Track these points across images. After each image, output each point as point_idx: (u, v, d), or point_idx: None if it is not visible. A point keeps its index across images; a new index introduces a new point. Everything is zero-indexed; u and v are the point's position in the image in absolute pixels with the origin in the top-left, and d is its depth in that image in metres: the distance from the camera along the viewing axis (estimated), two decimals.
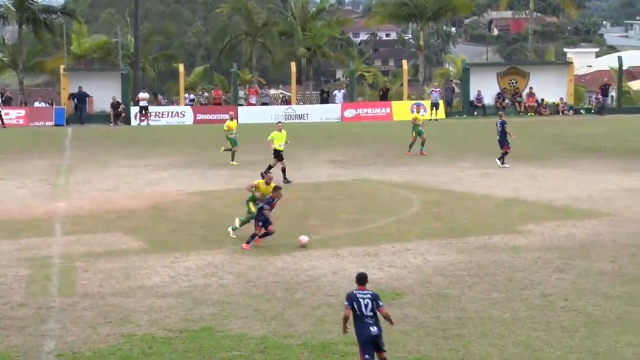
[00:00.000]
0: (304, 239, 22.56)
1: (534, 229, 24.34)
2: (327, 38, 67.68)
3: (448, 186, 31.54)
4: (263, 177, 23.97)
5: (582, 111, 61.34)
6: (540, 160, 36.21)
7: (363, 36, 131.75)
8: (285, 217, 26.10)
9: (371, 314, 13.02)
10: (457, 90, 65.75)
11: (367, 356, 12.91)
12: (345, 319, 13.19)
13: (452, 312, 17.15)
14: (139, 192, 31.03)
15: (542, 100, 60.36)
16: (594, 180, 32.51)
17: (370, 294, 13.17)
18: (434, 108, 57.58)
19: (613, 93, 64.46)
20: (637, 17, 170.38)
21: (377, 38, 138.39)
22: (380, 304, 13.14)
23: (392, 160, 37.93)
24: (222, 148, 37.23)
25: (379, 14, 72.18)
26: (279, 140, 32.56)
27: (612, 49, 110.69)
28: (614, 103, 63.46)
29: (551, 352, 14.90)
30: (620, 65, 63.99)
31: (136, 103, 57.15)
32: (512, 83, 62.34)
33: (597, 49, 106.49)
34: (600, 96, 62.72)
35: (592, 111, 61.23)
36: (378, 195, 30.14)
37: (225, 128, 37.47)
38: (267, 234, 22.53)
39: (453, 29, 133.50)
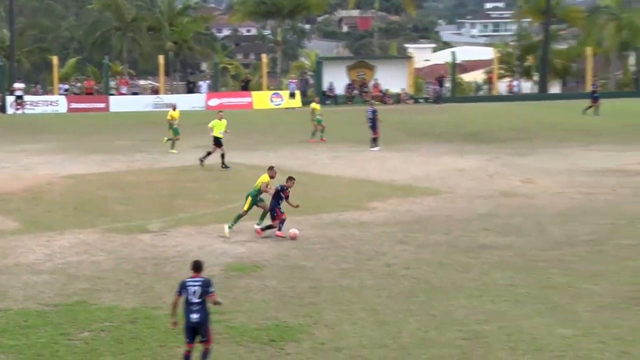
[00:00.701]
0: (294, 231, 20.88)
1: (379, 206, 24.66)
2: (192, 33, 67.29)
3: (304, 168, 31.63)
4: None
5: (421, 100, 62.55)
6: (385, 144, 36.65)
7: (226, 32, 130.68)
8: (154, 197, 25.79)
9: (197, 301, 12.39)
10: (311, 81, 66.11)
11: (187, 340, 12.47)
12: (173, 305, 12.68)
13: (307, 282, 17.23)
14: (14, 176, 30.09)
15: (387, 90, 61.26)
16: (432, 161, 33.15)
17: (201, 281, 12.49)
18: (292, 97, 57.91)
19: (448, 84, 65.87)
20: (468, 17, 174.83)
21: (239, 33, 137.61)
22: (211, 290, 12.45)
23: (253, 145, 37.86)
24: (165, 139, 36.23)
25: (240, 11, 72.11)
26: (219, 128, 31.91)
27: (447, 44, 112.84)
28: (449, 93, 64.86)
29: (394, 315, 15.13)
30: (454, 59, 65.54)
31: (12, 93, 55.67)
32: (360, 75, 63.10)
33: (434, 45, 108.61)
34: (437, 87, 64.08)
35: (430, 100, 62.49)
36: (241, 177, 29.98)
37: (169, 117, 36.62)
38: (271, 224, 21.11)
39: (307, 26, 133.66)
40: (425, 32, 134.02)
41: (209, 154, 31.52)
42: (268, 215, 21.12)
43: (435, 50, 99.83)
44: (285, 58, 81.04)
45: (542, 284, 16.82)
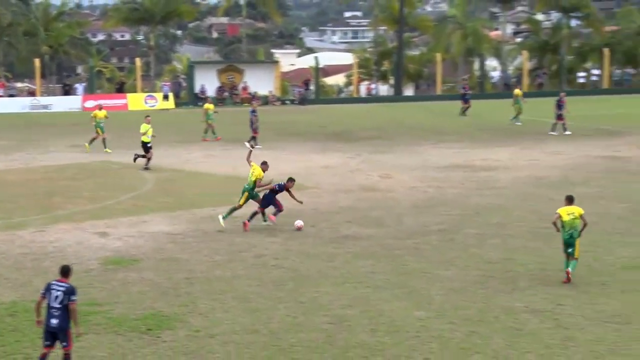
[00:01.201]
0: (299, 223, 20.97)
1: (250, 201, 24.56)
2: (67, 38, 65.65)
3: (178, 166, 31.36)
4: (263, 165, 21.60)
5: (287, 102, 62.73)
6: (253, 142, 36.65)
7: (101, 36, 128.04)
8: (32, 195, 25.06)
9: (58, 306, 11.77)
10: (184, 84, 65.45)
11: (47, 342, 11.87)
12: (36, 305, 12.13)
13: (182, 273, 17.09)
14: None
15: (255, 92, 61.20)
16: (299, 159, 33.32)
17: (65, 287, 11.85)
18: (165, 99, 57.28)
19: (312, 87, 66.31)
20: (329, 25, 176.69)
21: (113, 38, 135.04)
22: (73, 298, 11.78)
23: (130, 145, 37.20)
24: (87, 145, 35.15)
25: (114, 17, 70.74)
26: (145, 130, 30.99)
27: (310, 50, 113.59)
28: (313, 95, 65.29)
29: (264, 303, 15.17)
30: (317, 64, 66.01)
31: None
32: (230, 78, 62.84)
33: (298, 50, 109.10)
34: (302, 89, 64.44)
35: (295, 102, 62.76)
36: (117, 175, 29.51)
37: (93, 115, 35.52)
38: (257, 213, 21.18)
39: (179, 32, 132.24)
40: (290, 39, 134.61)
41: (148, 159, 30.63)
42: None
43: (299, 55, 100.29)
44: (158, 62, 79.94)
45: (400, 271, 17.17)
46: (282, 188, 21.29)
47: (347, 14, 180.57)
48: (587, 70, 72.70)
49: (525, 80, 68.71)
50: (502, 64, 73.27)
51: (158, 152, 34.90)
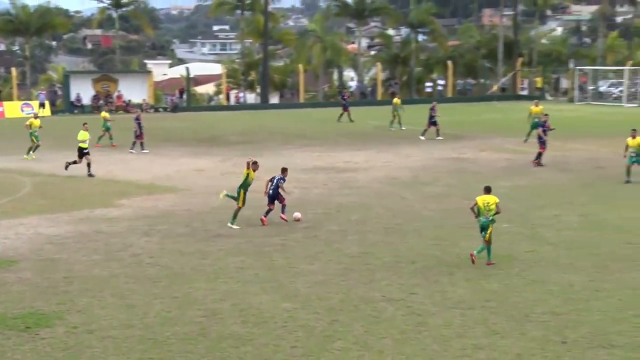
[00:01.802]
0: (297, 215, 21.21)
1: (126, 203, 24.15)
2: None
3: (54, 170, 30.38)
4: (249, 167, 20.94)
5: (160, 109, 61.83)
6: (129, 147, 35.93)
7: None
8: None
9: None
10: (60, 92, 63.56)
11: None
12: None
13: (61, 273, 16.55)
14: None
15: (129, 100, 60.06)
16: (172, 163, 32.89)
17: None
18: (42, 107, 55.47)
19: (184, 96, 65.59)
20: (199, 37, 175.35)
21: None
22: None
23: (4, 150, 35.84)
24: (28, 155, 33.56)
25: None
26: (83, 138, 29.72)
27: (182, 61, 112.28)
28: (185, 103, 64.59)
29: (140, 299, 14.87)
30: (188, 74, 65.33)
31: None
32: (105, 87, 61.47)
33: (170, 61, 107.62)
34: (174, 97, 63.65)
35: (168, 110, 61.94)
36: None
37: (28, 123, 34.02)
38: (270, 209, 21.18)
39: (54, 43, 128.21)
40: (162, 50, 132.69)
41: (88, 164, 29.51)
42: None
43: (171, 65, 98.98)
44: (34, 71, 77.21)
45: (268, 266, 17.16)
46: (283, 178, 21.33)
47: (216, 28, 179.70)
48: (433, 80, 74.82)
49: (380, 90, 70.06)
50: (358, 74, 74.49)
51: (38, 157, 33.77)
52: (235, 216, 20.90)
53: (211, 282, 15.93)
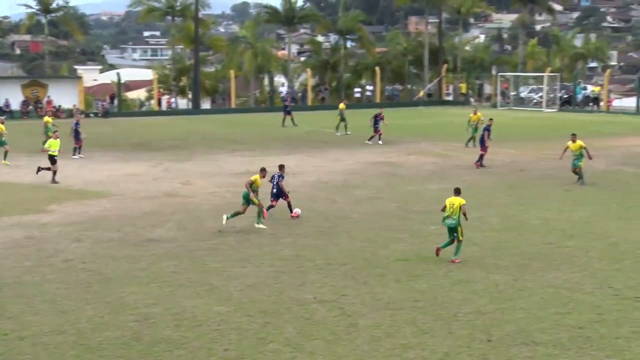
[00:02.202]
0: (297, 211, 22.13)
1: (57, 209, 23.69)
2: None
3: None
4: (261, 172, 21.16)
5: (91, 115, 60.86)
6: (62, 153, 35.29)
7: None
8: None
9: None
10: None
11: None
12: None
13: None
14: None
15: (60, 106, 58.96)
16: (103, 168, 32.40)
17: None
18: None
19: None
20: (130, 43, 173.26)
21: None
22: None
23: None
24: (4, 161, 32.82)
25: None
26: (54, 147, 28.91)
27: (112, 67, 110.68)
28: (116, 109, 63.71)
29: (72, 304, 14.60)
30: (119, 79, 64.47)
31: None
32: (34, 93, 60.24)
33: (100, 67, 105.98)
34: (105, 103, 62.72)
35: (99, 115, 61.02)
36: None
37: None
38: (272, 206, 21.96)
39: None
40: (92, 56, 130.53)
41: (54, 172, 28.78)
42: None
43: (102, 71, 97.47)
44: None
45: (201, 270, 17.03)
46: (282, 176, 22.15)
47: (147, 34, 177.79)
48: (362, 86, 75.41)
49: (310, 95, 70.26)
50: (289, 80, 74.58)
51: None
52: (259, 215, 20.84)
53: (144, 287, 15.73)
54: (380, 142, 40.20)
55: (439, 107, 65.21)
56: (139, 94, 75.25)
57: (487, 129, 32.02)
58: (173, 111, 65.42)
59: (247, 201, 20.68)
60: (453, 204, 17.29)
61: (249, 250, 18.75)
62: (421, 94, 70.95)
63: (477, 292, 15.28)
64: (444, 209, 17.41)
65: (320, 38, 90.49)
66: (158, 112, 64.31)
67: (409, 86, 73.74)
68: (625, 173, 29.97)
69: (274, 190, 22.13)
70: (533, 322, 13.53)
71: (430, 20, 78.08)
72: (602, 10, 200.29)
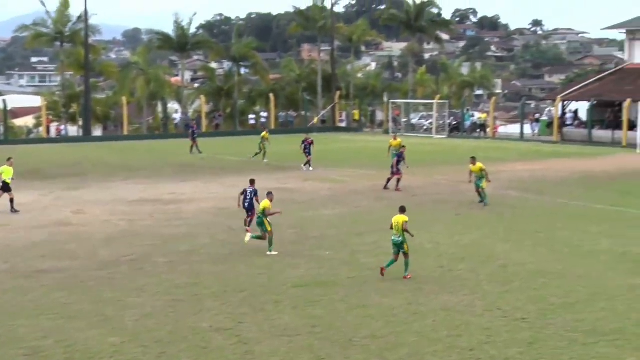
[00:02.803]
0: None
1: None
2: None
3: None
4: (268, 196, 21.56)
5: None
6: None
7: None
8: None
9: None
10: None
11: None
12: None
13: None
14: None
15: None
16: None
17: None
18: None
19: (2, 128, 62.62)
20: (16, 69, 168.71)
21: None
22: None
23: None
24: None
25: None
26: (7, 174, 27.83)
27: None
28: (2, 136, 61.65)
29: None
30: (5, 106, 62.54)
31: None
32: None
33: None
34: None
35: None
36: None
37: None
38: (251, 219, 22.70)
39: None
40: None
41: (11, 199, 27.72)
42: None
43: None
44: None
45: (94, 300, 16.65)
46: (255, 191, 22.92)
47: (34, 59, 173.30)
48: (256, 112, 75.52)
49: (204, 122, 69.87)
50: (182, 107, 74.01)
51: None
52: (270, 243, 20.92)
53: (34, 319, 15.26)
54: (310, 168, 39.88)
55: (333, 134, 65.89)
56: (27, 121, 73.13)
57: (400, 155, 32.80)
58: (63, 138, 63.82)
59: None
60: (397, 222, 18.25)
61: (144, 279, 18.46)
62: (315, 120, 71.62)
63: (373, 316, 15.49)
64: (391, 227, 18.38)
65: (214, 65, 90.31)
66: (47, 140, 62.60)
67: (303, 113, 74.31)
68: (511, 197, 31.03)
69: (246, 205, 22.81)
70: (426, 345, 13.81)
71: (322, 48, 79.09)
72: (486, 40, 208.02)
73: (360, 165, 39.95)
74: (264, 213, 21.00)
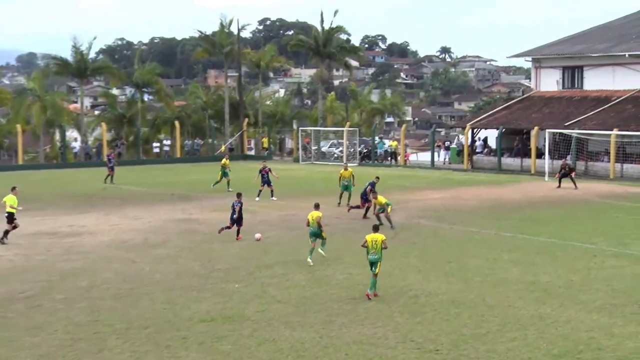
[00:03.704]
0: (257, 235, 27.25)
1: None
2: None
3: None
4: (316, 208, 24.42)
5: None
6: None
7: None
8: None
9: None
10: None
11: None
12: None
13: None
14: None
15: None
16: None
17: None
18: None
19: None
20: None
21: None
22: None
23: None
24: None
25: None
26: (11, 202, 27.39)
27: None
28: None
29: None
30: None
31: None
32: None
33: None
34: None
35: None
36: None
37: None
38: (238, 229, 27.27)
39: None
40: None
41: (6, 232, 27.15)
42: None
43: None
44: None
45: None
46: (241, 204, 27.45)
47: None
48: (160, 140, 74.80)
49: (105, 151, 68.78)
50: (82, 135, 72.67)
51: None
52: (324, 244, 24.03)
53: None
54: (274, 198, 39.21)
55: (241, 162, 65.85)
56: None
57: (372, 184, 32.81)
58: None
59: (317, 236, 23.67)
60: (376, 240, 19.44)
61: (40, 317, 17.96)
62: (223, 148, 71.42)
63: (283, 351, 15.46)
64: (364, 245, 19.59)
65: (115, 91, 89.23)
66: None
67: (210, 140, 74.05)
68: (423, 226, 31.54)
69: (234, 217, 27.01)
70: None
71: (229, 74, 79.17)
72: (395, 66, 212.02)
73: (268, 195, 39.87)
74: (319, 223, 23.62)
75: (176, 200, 39.94)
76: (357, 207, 33.94)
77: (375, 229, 20.10)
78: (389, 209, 30.40)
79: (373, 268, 19.50)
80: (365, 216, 32.85)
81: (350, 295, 19.86)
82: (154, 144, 73.53)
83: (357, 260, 24.50)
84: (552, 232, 29.65)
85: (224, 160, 45.64)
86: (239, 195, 27.75)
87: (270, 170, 40.42)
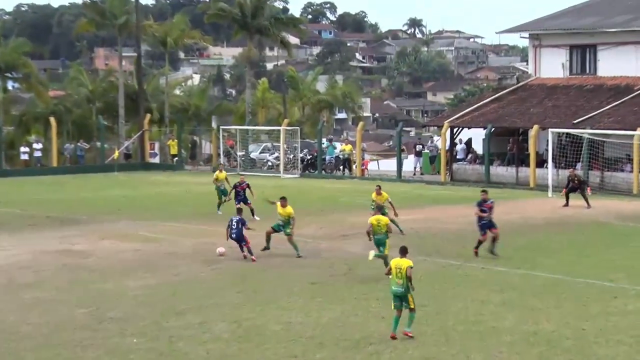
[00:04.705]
0: (220, 250, 30.64)
1: None
2: None
3: None
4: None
5: None
6: None
7: None
8: None
9: None
10: None
11: None
12: None
13: None
14: None
15: None
16: None
17: None
18: None
19: None
20: None
21: None
22: None
23: None
24: None
25: None
26: None
27: None
28: None
29: None
30: None
31: None
32: None
33: None
34: None
35: None
36: None
37: None
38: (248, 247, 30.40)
39: None
40: None
41: None
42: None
43: None
44: None
45: None
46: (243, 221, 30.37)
47: None
48: (30, 144, 73.88)
49: None
50: None
51: None
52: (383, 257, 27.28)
53: None
54: (257, 217, 38.65)
55: (142, 173, 65.50)
56: None
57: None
58: None
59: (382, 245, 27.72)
60: (400, 267, 20.25)
61: None
62: (116, 154, 70.87)
63: None
64: (388, 272, 20.65)
65: None
66: None
67: (98, 144, 73.47)
68: (389, 257, 31.67)
69: (233, 236, 29.97)
70: None
71: (125, 54, 78.78)
72: (349, 45, 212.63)
73: (180, 217, 39.79)
74: (386, 230, 27.32)
75: (53, 225, 39.52)
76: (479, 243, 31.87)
77: (403, 252, 20.93)
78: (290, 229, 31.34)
79: (403, 303, 20.48)
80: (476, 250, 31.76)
81: (290, 352, 19.83)
82: (22, 149, 72.44)
83: (298, 303, 24.48)
84: (558, 265, 30.00)
85: (216, 174, 43.86)
86: (239, 211, 31.61)
87: (249, 185, 40.32)
